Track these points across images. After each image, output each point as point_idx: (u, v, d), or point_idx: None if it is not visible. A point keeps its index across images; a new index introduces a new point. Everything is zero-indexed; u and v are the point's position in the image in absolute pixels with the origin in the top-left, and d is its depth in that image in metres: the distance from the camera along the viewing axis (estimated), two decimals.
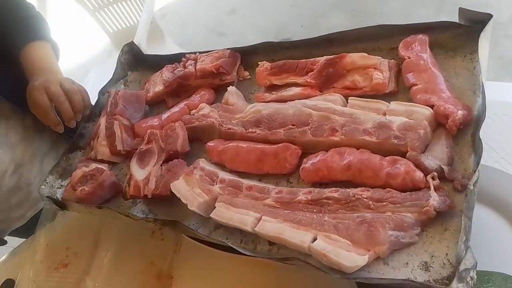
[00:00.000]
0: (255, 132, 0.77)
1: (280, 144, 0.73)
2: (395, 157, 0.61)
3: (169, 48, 2.44)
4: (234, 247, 0.65)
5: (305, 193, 0.65)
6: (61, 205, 0.91)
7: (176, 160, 0.81)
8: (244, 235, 0.69)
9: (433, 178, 0.58)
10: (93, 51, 3.49)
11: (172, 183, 0.76)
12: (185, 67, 0.98)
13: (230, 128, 0.80)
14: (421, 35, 0.73)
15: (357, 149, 0.65)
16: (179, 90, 0.98)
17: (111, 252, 0.93)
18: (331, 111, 0.71)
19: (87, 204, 0.86)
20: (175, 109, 0.94)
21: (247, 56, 0.96)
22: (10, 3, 1.02)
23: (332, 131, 0.68)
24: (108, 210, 0.84)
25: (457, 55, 0.72)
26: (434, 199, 0.55)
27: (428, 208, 0.55)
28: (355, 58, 0.75)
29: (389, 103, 0.68)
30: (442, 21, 0.72)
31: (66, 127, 0.94)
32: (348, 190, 0.62)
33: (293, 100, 0.78)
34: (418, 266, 0.54)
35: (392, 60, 0.74)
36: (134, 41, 1.13)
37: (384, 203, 0.58)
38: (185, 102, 0.94)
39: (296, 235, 0.60)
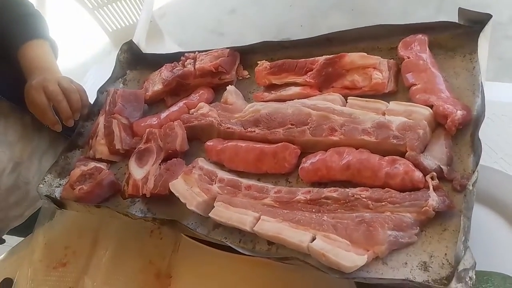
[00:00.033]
0: (254, 131, 0.77)
1: (279, 144, 0.73)
2: (394, 157, 0.61)
3: (168, 47, 2.44)
4: (233, 246, 0.65)
5: (304, 193, 0.65)
6: (60, 204, 0.91)
7: (175, 159, 0.81)
8: (243, 234, 0.68)
9: (432, 178, 0.58)
10: (92, 49, 3.48)
11: (171, 182, 0.76)
12: (184, 66, 0.98)
13: (229, 128, 0.80)
14: (420, 35, 0.73)
15: (356, 149, 0.65)
16: (178, 89, 0.98)
17: (109, 251, 0.93)
18: (330, 111, 0.70)
19: (86, 203, 0.86)
20: (174, 108, 0.94)
21: (246, 55, 0.96)
22: (9, 1, 1.02)
23: (331, 131, 0.68)
24: (107, 209, 0.84)
25: (457, 55, 0.72)
26: (433, 199, 0.55)
27: (427, 208, 0.55)
28: (354, 58, 0.75)
29: (388, 103, 0.68)
30: (442, 21, 0.72)
31: (64, 126, 0.93)
32: (347, 190, 0.62)
33: (292, 100, 0.78)
34: (417, 266, 0.54)
35: (392, 60, 0.74)
36: (133, 40, 1.13)
37: (383, 203, 0.58)
38: (184, 101, 0.94)
39: (295, 235, 0.60)
